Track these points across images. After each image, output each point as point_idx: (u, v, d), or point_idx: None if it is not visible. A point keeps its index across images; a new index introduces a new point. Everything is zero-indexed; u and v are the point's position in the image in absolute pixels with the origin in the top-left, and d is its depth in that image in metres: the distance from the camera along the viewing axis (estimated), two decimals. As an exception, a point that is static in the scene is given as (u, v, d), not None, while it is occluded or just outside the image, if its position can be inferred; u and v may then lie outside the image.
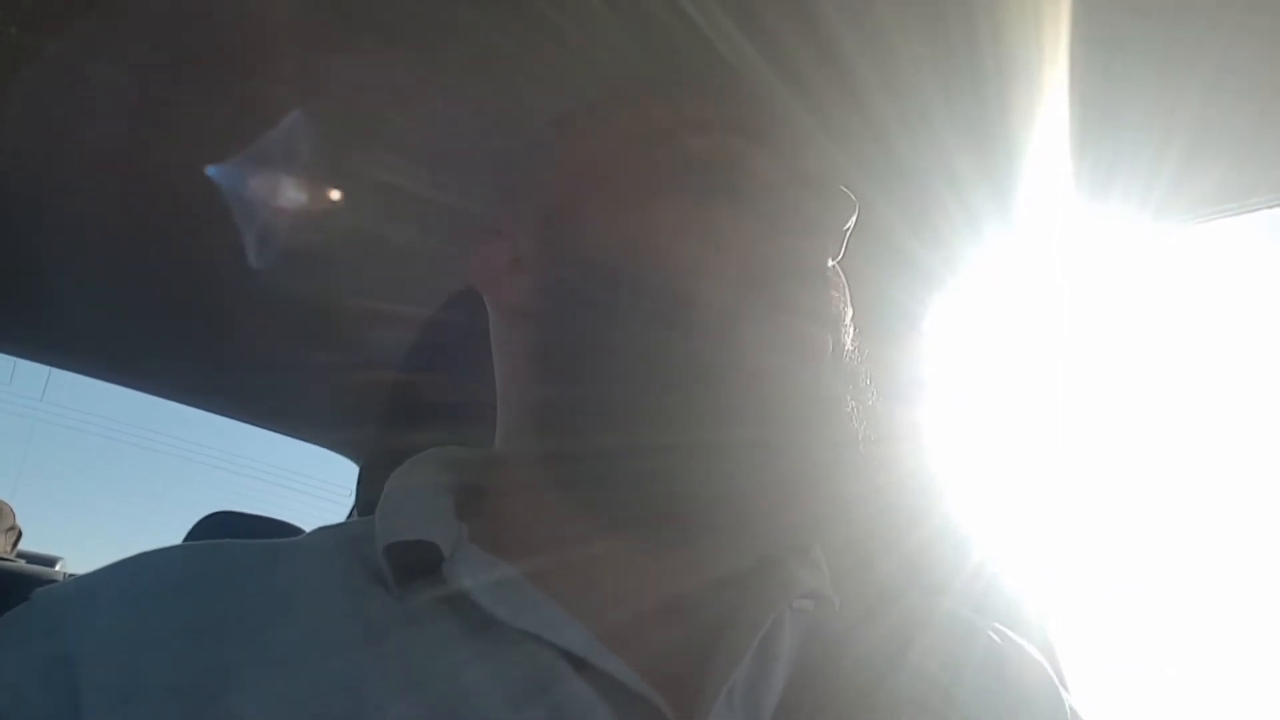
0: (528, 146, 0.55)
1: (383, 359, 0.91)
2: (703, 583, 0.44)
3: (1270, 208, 0.60)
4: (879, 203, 0.65)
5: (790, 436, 0.42)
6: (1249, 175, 0.59)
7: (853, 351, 0.47)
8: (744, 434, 0.41)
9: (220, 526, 1.41)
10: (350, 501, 1.75)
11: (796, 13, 0.51)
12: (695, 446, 0.42)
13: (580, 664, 0.39)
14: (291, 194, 0.78)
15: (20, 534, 2.13)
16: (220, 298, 1.05)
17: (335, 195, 0.76)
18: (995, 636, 0.51)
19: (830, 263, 0.48)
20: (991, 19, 0.51)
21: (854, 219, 0.49)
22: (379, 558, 0.42)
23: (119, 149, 0.78)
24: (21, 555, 2.15)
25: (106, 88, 0.68)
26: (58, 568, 2.29)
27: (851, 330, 0.48)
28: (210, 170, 0.83)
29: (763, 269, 0.44)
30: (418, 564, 0.42)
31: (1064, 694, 0.50)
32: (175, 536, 1.43)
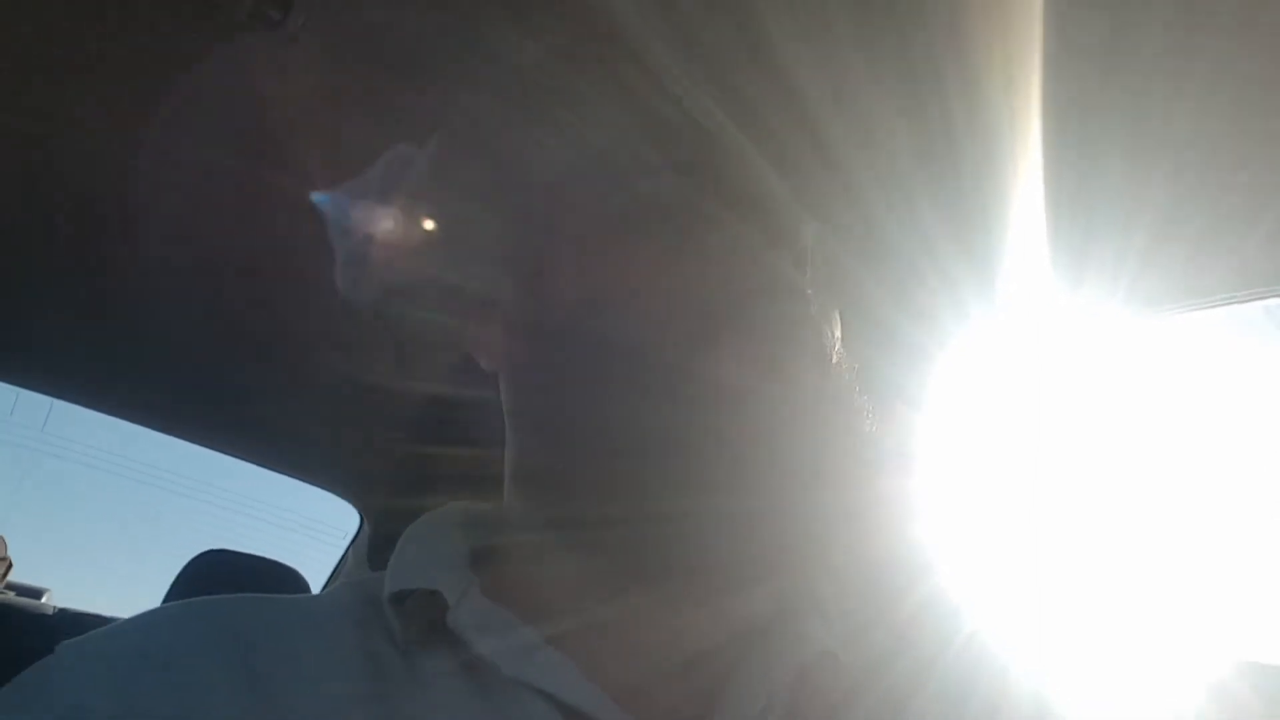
0: (513, 212, 0.55)
1: (393, 410, 0.92)
2: (717, 639, 0.43)
3: (1237, 303, 0.63)
4: (866, 281, 0.68)
5: (764, 490, 0.40)
6: (1214, 270, 0.63)
7: (840, 363, 0.45)
8: (718, 490, 0.40)
9: (213, 564, 1.41)
10: (345, 542, 1.75)
11: (787, 108, 0.54)
12: (672, 508, 0.40)
13: None
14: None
15: (10, 565, 2.13)
16: (230, 339, 1.07)
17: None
18: (991, 698, 0.51)
19: (797, 276, 0.46)
20: (969, 114, 0.55)
21: (809, 234, 0.48)
22: (385, 608, 0.43)
23: (139, 187, 0.80)
24: (10, 586, 2.15)
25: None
26: (44, 599, 2.27)
27: (839, 340, 0.47)
28: (228, 217, 0.85)
29: (721, 294, 0.43)
30: (424, 614, 0.42)
31: None
32: (169, 571, 1.44)
